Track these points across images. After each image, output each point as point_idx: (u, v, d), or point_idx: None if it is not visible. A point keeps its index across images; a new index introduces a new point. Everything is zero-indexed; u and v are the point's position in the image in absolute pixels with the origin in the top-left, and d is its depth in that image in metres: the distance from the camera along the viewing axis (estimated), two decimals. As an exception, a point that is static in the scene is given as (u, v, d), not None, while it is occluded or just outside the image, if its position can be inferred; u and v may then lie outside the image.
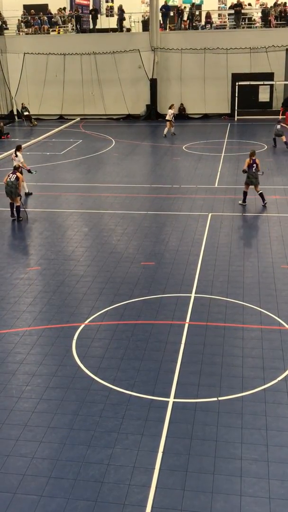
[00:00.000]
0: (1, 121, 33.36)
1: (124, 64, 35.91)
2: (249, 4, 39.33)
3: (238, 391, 8.68)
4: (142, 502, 6.65)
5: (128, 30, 37.99)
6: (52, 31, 38.28)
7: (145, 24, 36.20)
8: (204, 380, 8.97)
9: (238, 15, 35.85)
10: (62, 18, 39.32)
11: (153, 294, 11.98)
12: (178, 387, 8.80)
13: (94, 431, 7.86)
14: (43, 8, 39.91)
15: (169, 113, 29.67)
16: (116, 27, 37.42)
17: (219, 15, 40.87)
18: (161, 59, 35.60)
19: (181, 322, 10.78)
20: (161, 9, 36.03)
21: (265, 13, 35.84)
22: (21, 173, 18.09)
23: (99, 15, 38.45)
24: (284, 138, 25.84)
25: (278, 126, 26.01)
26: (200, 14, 39.76)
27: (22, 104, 36.16)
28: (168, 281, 12.58)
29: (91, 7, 40.24)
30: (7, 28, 38.77)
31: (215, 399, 8.50)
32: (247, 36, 34.88)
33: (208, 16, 36.87)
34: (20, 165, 18.56)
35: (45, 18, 38.28)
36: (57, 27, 38.54)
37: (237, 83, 33.95)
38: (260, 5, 38.91)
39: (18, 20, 38.69)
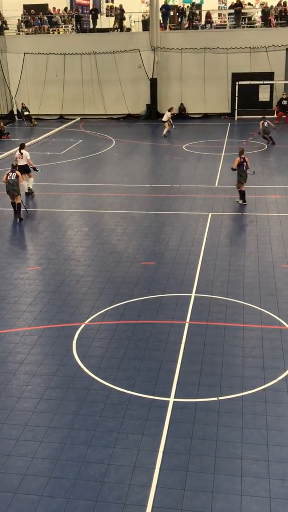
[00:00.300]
0: (1, 121, 33.35)
1: (124, 64, 35.89)
2: (249, 4, 39.30)
3: (238, 390, 8.68)
4: (142, 502, 6.65)
5: (128, 29, 37.99)
6: (52, 31, 38.26)
7: (145, 24, 36.19)
8: (204, 379, 8.98)
9: (238, 15, 35.84)
10: (62, 18, 39.31)
11: (153, 294, 11.98)
12: (178, 386, 8.80)
13: (95, 431, 7.86)
14: (43, 8, 39.91)
15: (167, 115, 30.06)
16: (112, 26, 37.44)
17: (219, 14, 40.85)
18: (161, 59, 35.59)
19: (181, 322, 10.78)
20: (161, 9, 36.02)
21: (265, 12, 35.82)
22: (28, 171, 18.82)
23: (99, 15, 38.43)
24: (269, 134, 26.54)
25: (266, 124, 26.48)
26: (200, 14, 39.75)
27: (22, 104, 36.15)
28: (168, 281, 12.58)
29: (91, 7, 40.23)
30: (7, 28, 38.75)
31: (216, 398, 8.51)
32: (247, 36, 34.85)
33: (208, 15, 36.86)
34: (26, 162, 18.91)
35: (45, 18, 38.27)
36: (57, 26, 38.49)
37: (237, 83, 33.95)
38: (260, 4, 38.89)
39: (18, 20, 38.68)
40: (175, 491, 6.81)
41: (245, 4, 38.10)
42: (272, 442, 7.57)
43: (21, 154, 19.12)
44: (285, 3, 37.34)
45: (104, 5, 43.22)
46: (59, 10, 39.77)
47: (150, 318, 10.98)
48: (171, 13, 38.26)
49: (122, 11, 36.81)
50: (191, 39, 35.28)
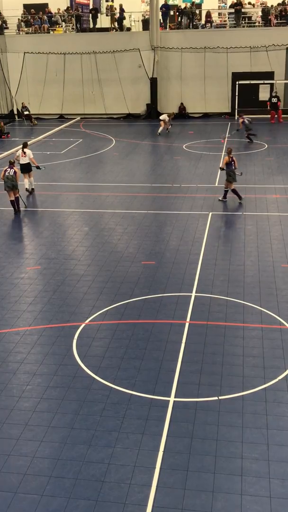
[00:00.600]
0: (1, 120, 33.34)
1: (124, 63, 35.88)
2: (249, 3, 39.27)
3: (238, 390, 8.68)
4: (143, 501, 6.66)
5: (128, 29, 37.97)
6: (52, 30, 38.24)
7: (145, 23, 36.18)
8: (204, 379, 8.98)
9: (238, 14, 35.82)
10: (62, 18, 39.29)
11: (153, 293, 11.98)
12: (178, 386, 8.80)
13: (95, 431, 7.86)
14: (43, 7, 39.89)
15: (165, 116, 30.57)
16: (111, 26, 37.44)
17: (219, 14, 40.83)
18: (161, 58, 35.57)
19: (181, 322, 10.78)
20: (161, 8, 36.00)
21: (265, 12, 35.80)
22: (29, 170, 19.26)
23: (99, 14, 38.41)
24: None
25: (246, 121, 27.13)
26: (200, 13, 39.73)
27: (22, 103, 36.13)
28: (169, 281, 12.58)
29: (91, 6, 40.21)
30: (7, 28, 38.71)
31: (216, 398, 8.51)
32: (247, 35, 34.81)
33: (208, 15, 36.84)
34: (29, 161, 19.28)
35: (45, 17, 38.25)
36: (57, 26, 38.48)
37: (237, 82, 33.94)
38: (260, 4, 38.86)
39: (18, 19, 38.67)
40: (175, 491, 6.81)
41: (245, 4, 38.07)
42: (272, 442, 7.57)
43: (24, 153, 19.34)
44: (284, 2, 37.33)
45: (104, 5, 43.17)
46: (58, 9, 39.76)
47: (151, 318, 10.99)
48: (171, 12, 38.22)
49: (122, 10, 36.79)
50: (191, 38, 35.26)
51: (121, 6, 36.87)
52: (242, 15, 36.47)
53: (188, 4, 38.31)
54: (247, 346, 9.89)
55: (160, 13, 35.82)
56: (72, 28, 38.60)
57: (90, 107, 37.23)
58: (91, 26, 37.80)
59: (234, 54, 34.50)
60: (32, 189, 19.85)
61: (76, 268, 13.47)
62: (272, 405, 8.32)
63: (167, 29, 37.46)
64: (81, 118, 36.92)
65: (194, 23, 37.15)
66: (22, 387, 8.90)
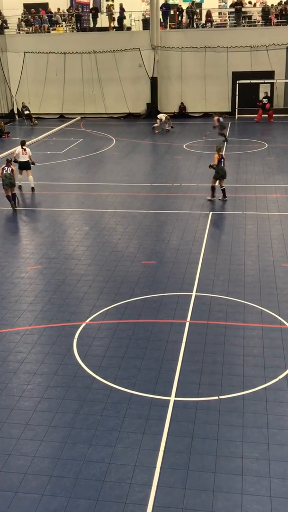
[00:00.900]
0: (1, 120, 33.34)
1: (124, 63, 35.88)
2: (250, 3, 39.26)
3: (239, 389, 8.68)
4: (143, 501, 6.66)
5: (129, 28, 37.96)
6: (52, 29, 38.24)
7: (146, 23, 36.17)
8: (205, 378, 8.98)
9: (239, 14, 35.81)
10: (62, 17, 39.27)
11: (154, 293, 11.98)
12: (179, 385, 8.80)
13: (95, 430, 7.86)
14: (43, 7, 39.87)
15: (163, 116, 30.83)
16: (109, 26, 37.44)
17: (220, 13, 40.81)
18: (161, 58, 35.58)
19: (182, 321, 10.78)
20: (161, 8, 35.99)
21: (266, 11, 35.78)
22: (29, 168, 19.71)
23: (99, 14, 38.40)
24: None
25: (221, 119, 27.64)
26: (200, 13, 39.71)
27: (22, 103, 36.13)
28: (169, 280, 12.58)
29: (91, 6, 40.19)
30: (7, 27, 38.72)
31: (216, 397, 8.51)
32: (247, 35, 34.81)
33: (209, 14, 36.83)
34: (28, 159, 19.72)
35: (45, 17, 38.24)
36: (57, 25, 38.47)
37: (237, 82, 33.95)
38: (261, 3, 38.83)
39: (18, 19, 38.67)
40: (176, 490, 6.81)
41: (246, 3, 38.05)
42: (272, 441, 7.57)
43: (25, 150, 19.73)
44: (283, 2, 37.32)
45: (104, 4, 43.15)
46: (58, 9, 39.75)
47: (151, 317, 10.99)
48: (172, 11, 38.21)
49: (122, 10, 36.78)
50: (192, 38, 35.26)
51: (121, 5, 36.85)
52: (243, 15, 36.46)
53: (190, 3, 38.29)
54: (248, 346, 9.89)
55: (160, 13, 35.81)
56: (73, 28, 38.60)
57: (90, 106, 37.25)
58: (91, 25, 37.80)
59: (234, 54, 34.50)
60: (32, 188, 19.92)
61: (76, 267, 13.47)
62: (273, 404, 8.32)
63: (167, 28, 37.44)
64: (81, 117, 36.94)
65: (195, 22, 37.11)
66: (22, 387, 8.91)
